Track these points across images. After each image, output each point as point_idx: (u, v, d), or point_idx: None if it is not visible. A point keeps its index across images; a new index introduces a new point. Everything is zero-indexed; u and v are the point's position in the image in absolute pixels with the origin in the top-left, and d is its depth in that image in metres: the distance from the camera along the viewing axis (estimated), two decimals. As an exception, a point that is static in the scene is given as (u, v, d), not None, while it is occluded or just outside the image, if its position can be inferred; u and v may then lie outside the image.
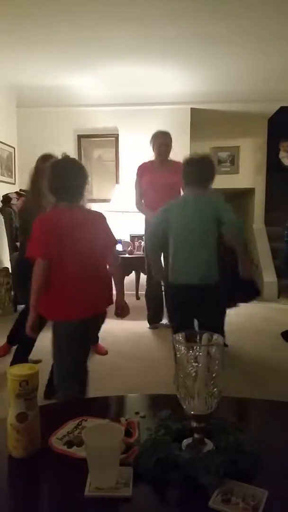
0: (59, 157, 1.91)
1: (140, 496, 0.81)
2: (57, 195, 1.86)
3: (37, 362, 2.81)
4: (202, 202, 2.28)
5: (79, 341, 1.79)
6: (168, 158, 3.89)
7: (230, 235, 2.20)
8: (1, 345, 3.25)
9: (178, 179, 3.65)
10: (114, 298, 1.95)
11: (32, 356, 2.83)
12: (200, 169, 2.33)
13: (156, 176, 3.86)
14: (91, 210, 1.96)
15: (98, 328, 1.99)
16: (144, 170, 3.96)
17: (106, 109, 5.66)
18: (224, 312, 2.56)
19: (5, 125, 5.21)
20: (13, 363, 2.73)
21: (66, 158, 1.89)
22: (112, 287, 1.95)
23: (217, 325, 2.26)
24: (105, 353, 3.41)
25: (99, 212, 1.96)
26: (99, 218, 1.93)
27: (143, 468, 0.86)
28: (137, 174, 3.99)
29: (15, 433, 0.94)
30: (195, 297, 2.20)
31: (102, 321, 1.94)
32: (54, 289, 1.75)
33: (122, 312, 1.97)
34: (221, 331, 2.34)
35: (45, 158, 2.73)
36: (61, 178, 1.84)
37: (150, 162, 4.00)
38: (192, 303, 2.22)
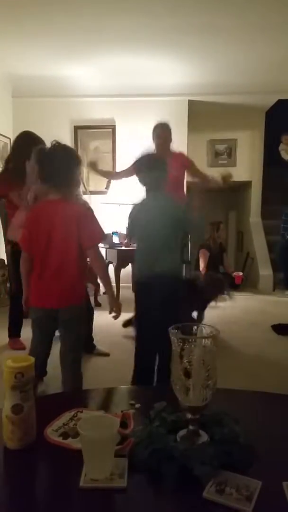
0: (50, 144, 1.87)
1: (135, 487, 0.81)
2: (48, 183, 1.86)
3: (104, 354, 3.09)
4: (162, 201, 2.28)
5: (37, 327, 1.92)
6: (169, 151, 3.82)
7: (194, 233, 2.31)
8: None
9: (180, 170, 3.61)
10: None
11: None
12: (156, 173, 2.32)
13: None
14: (77, 206, 1.92)
15: (63, 323, 1.91)
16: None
17: (103, 100, 5.62)
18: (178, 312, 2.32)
19: (1, 115, 5.17)
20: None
21: (57, 145, 1.86)
22: (82, 287, 1.92)
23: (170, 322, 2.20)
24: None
25: (84, 208, 1.92)
26: (82, 215, 1.84)
27: (138, 459, 0.86)
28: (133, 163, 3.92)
29: (11, 424, 0.94)
30: (155, 287, 2.17)
31: (66, 318, 1.87)
32: (32, 276, 1.90)
33: (115, 312, 1.96)
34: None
35: (27, 139, 2.84)
36: (52, 166, 1.82)
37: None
38: (151, 294, 2.19)
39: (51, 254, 1.82)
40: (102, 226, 1.91)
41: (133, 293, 2.35)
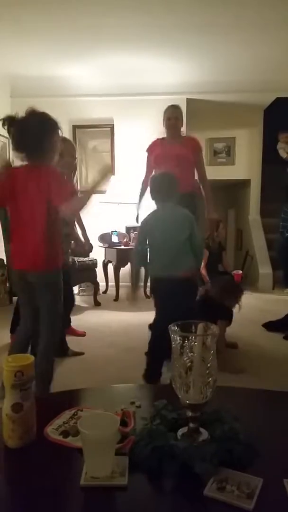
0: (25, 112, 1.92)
1: (135, 485, 0.81)
2: (20, 152, 1.89)
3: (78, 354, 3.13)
4: (175, 210, 2.50)
5: (16, 287, 2.04)
6: (180, 134, 3.72)
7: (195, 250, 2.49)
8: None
9: (189, 152, 3.57)
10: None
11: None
12: (167, 184, 2.52)
13: (166, 149, 3.65)
14: (46, 168, 1.90)
15: (36, 287, 1.96)
16: (153, 146, 3.76)
17: (102, 99, 5.61)
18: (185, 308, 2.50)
19: (-1, 115, 5.15)
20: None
21: (30, 112, 1.90)
22: (52, 254, 1.92)
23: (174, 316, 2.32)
24: (82, 334, 3.55)
25: (52, 170, 1.90)
26: (50, 176, 1.86)
27: (138, 457, 0.86)
28: (147, 151, 3.79)
29: (11, 423, 0.94)
30: (166, 288, 2.40)
31: (35, 281, 1.94)
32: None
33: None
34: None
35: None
36: (22, 134, 1.85)
37: (160, 139, 3.80)
38: (163, 293, 2.45)
39: (21, 218, 1.88)
40: (67, 188, 1.91)
41: (152, 294, 2.57)
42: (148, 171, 3.74)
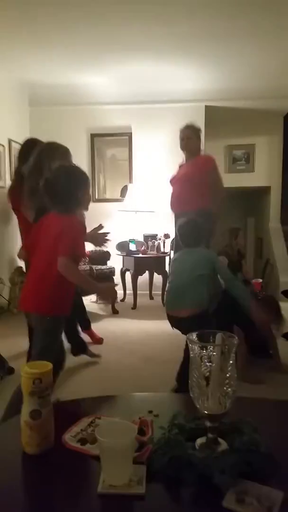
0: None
1: (153, 494, 0.80)
2: (49, 202, 1.93)
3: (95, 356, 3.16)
4: (196, 253, 2.50)
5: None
6: (195, 153, 3.73)
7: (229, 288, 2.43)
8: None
9: (196, 172, 3.58)
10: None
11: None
12: (190, 231, 2.54)
13: (179, 170, 3.81)
14: (65, 218, 1.88)
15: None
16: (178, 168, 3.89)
17: (119, 108, 5.66)
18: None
19: (18, 123, 5.24)
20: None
21: (60, 169, 1.97)
22: (49, 297, 1.84)
23: None
24: (99, 340, 3.55)
25: (70, 221, 1.87)
26: (65, 226, 1.85)
27: (156, 466, 0.86)
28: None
29: (29, 430, 0.94)
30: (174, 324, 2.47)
31: (32, 323, 1.96)
32: None
33: (110, 295, 2.03)
34: None
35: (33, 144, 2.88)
36: (52, 189, 1.89)
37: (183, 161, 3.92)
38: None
39: (32, 261, 1.94)
40: (77, 244, 1.84)
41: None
42: None
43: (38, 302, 1.86)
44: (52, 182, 1.89)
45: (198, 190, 3.54)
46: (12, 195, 2.98)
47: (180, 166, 3.84)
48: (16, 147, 5.11)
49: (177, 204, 3.69)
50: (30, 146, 2.96)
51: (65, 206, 1.88)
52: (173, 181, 3.80)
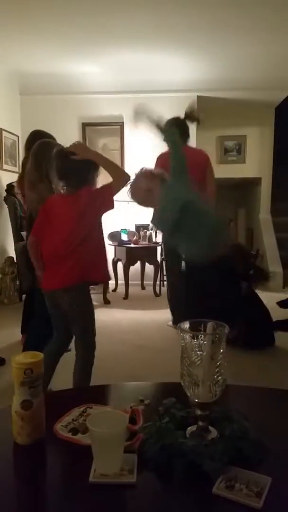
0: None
1: (144, 483, 0.81)
2: (61, 181, 2.02)
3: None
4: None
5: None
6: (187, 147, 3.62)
7: None
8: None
9: (193, 170, 3.54)
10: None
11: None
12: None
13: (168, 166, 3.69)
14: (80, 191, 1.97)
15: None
16: (161, 160, 3.70)
17: (111, 97, 5.61)
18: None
19: (9, 113, 5.18)
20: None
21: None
22: (74, 271, 1.94)
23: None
24: None
25: (86, 190, 1.95)
26: (91, 196, 1.94)
27: (147, 455, 0.86)
28: (156, 161, 3.76)
29: (20, 420, 0.94)
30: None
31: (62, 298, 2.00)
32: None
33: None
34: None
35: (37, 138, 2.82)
36: (66, 167, 1.95)
37: (167, 153, 3.83)
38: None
39: (44, 245, 2.00)
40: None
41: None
42: None
43: (78, 273, 1.93)
44: (67, 162, 1.92)
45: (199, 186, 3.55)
46: (21, 185, 3.06)
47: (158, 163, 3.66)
48: (7, 136, 5.06)
49: None
50: (34, 138, 2.98)
51: (77, 187, 1.94)
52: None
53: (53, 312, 2.07)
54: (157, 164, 3.72)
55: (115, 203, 1.99)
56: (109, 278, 2.20)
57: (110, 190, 1.92)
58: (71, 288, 1.93)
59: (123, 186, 1.97)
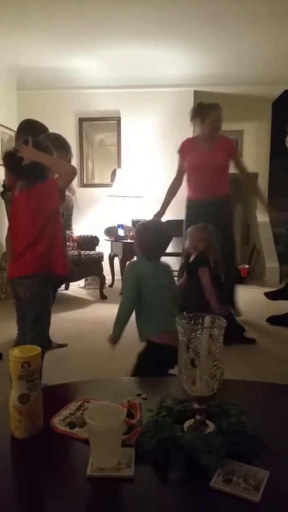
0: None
1: (142, 476, 0.81)
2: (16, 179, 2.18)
3: (62, 346, 3.12)
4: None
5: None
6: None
7: None
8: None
9: (224, 156, 3.47)
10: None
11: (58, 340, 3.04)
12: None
13: (201, 156, 3.44)
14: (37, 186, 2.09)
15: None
16: (186, 149, 3.51)
17: (108, 92, 5.58)
18: None
19: (6, 108, 5.14)
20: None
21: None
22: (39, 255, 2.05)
23: None
24: None
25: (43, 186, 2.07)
26: (44, 192, 2.06)
27: (145, 449, 0.86)
28: (179, 153, 3.56)
29: (17, 414, 0.94)
30: None
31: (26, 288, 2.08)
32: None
33: None
34: None
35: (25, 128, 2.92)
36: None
37: (192, 140, 3.62)
38: None
39: (14, 236, 2.15)
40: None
41: None
42: (179, 175, 3.60)
43: (33, 264, 2.05)
44: (17, 166, 2.06)
45: (227, 175, 3.54)
46: (9, 178, 3.05)
47: (196, 148, 3.50)
48: (3, 131, 5.02)
49: (206, 190, 3.45)
50: (22, 128, 3.01)
51: (33, 181, 2.06)
52: (194, 170, 3.48)
53: (14, 302, 2.19)
54: (183, 148, 3.55)
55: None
56: (69, 271, 2.22)
57: (57, 186, 2.05)
58: (26, 277, 2.05)
59: (70, 180, 2.13)
